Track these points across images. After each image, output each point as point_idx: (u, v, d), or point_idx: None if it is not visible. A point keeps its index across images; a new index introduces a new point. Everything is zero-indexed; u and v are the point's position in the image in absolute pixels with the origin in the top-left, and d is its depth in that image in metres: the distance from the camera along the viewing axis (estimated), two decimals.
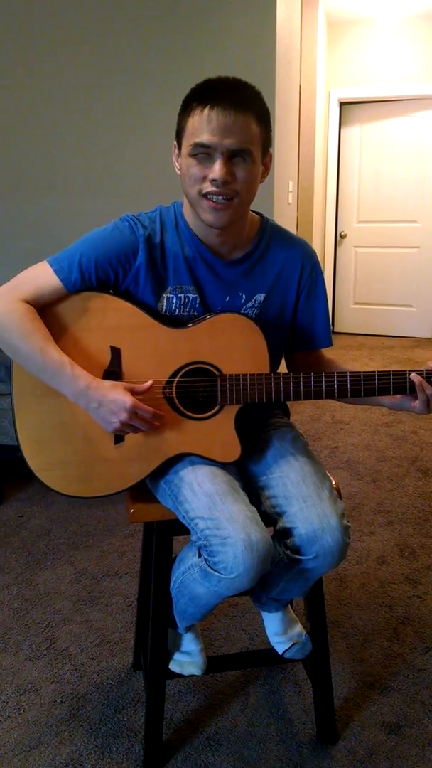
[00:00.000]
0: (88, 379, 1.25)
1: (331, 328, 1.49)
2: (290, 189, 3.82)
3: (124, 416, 1.24)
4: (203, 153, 1.21)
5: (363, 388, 1.31)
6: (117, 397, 1.24)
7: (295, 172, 4.08)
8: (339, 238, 6.00)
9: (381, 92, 5.41)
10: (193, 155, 1.22)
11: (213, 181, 1.21)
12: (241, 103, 1.20)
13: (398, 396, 1.35)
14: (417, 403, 1.33)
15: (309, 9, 4.64)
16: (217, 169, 1.20)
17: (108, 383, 1.26)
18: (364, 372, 1.31)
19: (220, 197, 1.23)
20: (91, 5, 2.85)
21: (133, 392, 1.26)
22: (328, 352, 1.52)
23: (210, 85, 1.23)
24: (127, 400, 1.23)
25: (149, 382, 1.28)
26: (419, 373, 1.31)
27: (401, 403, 1.35)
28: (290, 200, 3.86)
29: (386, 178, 5.73)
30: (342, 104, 5.65)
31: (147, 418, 1.26)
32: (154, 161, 2.92)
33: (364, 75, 5.40)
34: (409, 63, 5.28)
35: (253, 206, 1.37)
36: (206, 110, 1.19)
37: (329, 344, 1.48)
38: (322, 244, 5.69)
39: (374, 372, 1.31)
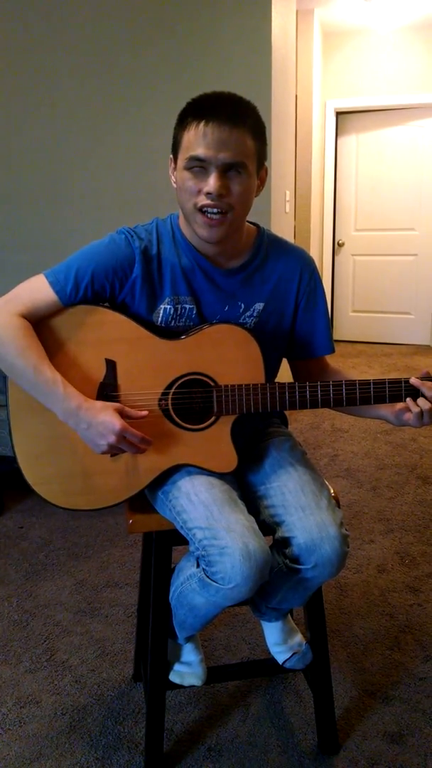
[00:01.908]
0: (79, 400, 1.26)
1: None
2: (287, 198, 3.84)
3: (112, 439, 1.24)
4: (198, 166, 1.22)
5: (358, 396, 1.31)
6: (106, 419, 1.24)
7: (292, 181, 4.10)
8: (337, 246, 6.02)
9: (376, 102, 5.45)
10: (188, 168, 1.24)
11: (208, 194, 1.22)
12: (236, 118, 1.21)
13: (396, 408, 1.35)
14: (411, 416, 1.31)
15: (304, 20, 4.69)
16: (211, 183, 1.22)
17: (99, 404, 1.26)
18: (359, 381, 1.31)
19: (215, 210, 1.24)
20: (92, 23, 2.87)
21: (124, 415, 1.27)
22: (333, 361, 1.53)
23: (205, 99, 1.24)
24: (116, 423, 1.23)
25: (144, 412, 1.29)
26: (409, 385, 1.31)
27: (397, 418, 1.35)
28: (287, 209, 3.88)
29: (383, 186, 5.76)
30: (338, 114, 5.69)
31: (135, 442, 1.27)
32: (154, 175, 2.93)
33: (360, 85, 5.44)
34: (404, 72, 5.32)
35: (251, 216, 1.38)
36: (201, 125, 1.20)
37: (331, 351, 1.48)
38: (320, 253, 5.71)
39: (369, 381, 1.31)
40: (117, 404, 1.27)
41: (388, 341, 6.04)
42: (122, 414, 1.26)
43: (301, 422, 3.92)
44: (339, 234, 6.00)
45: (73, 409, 1.25)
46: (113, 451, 1.27)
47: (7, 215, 3.08)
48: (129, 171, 3.00)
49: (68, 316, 1.31)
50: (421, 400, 1.30)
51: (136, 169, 2.99)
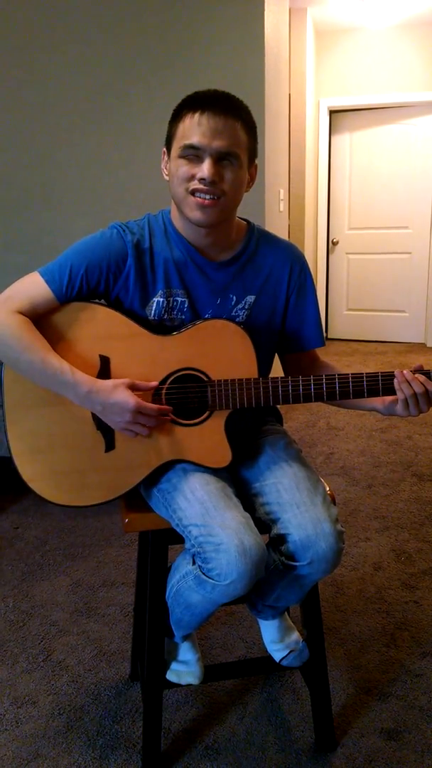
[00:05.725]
0: (89, 384, 1.27)
1: (324, 333, 1.51)
2: (281, 197, 3.84)
3: (128, 417, 1.25)
4: (193, 154, 1.25)
5: (351, 390, 1.31)
6: (119, 399, 1.25)
7: (285, 180, 4.10)
8: (331, 245, 6.02)
9: (370, 100, 5.46)
10: (182, 156, 1.25)
11: (201, 179, 1.24)
12: (230, 110, 1.25)
13: (388, 399, 1.35)
14: (397, 405, 1.32)
15: (297, 19, 4.69)
16: (205, 169, 1.23)
17: (110, 384, 1.27)
18: (352, 374, 1.31)
19: (207, 195, 1.25)
20: (84, 21, 2.87)
21: (135, 389, 1.27)
22: (327, 359, 1.53)
23: (200, 94, 1.27)
24: (130, 401, 1.25)
25: (154, 383, 1.30)
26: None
27: (389, 408, 1.36)
28: (281, 208, 3.88)
29: (377, 184, 5.76)
30: (331, 112, 5.69)
31: (153, 415, 1.27)
32: (149, 175, 2.93)
33: (353, 83, 5.44)
34: (397, 71, 5.32)
35: (245, 214, 1.38)
36: (197, 115, 1.23)
37: (321, 344, 1.49)
38: (314, 251, 5.72)
39: (362, 374, 1.31)
40: (127, 380, 1.28)
41: (382, 339, 6.05)
42: (133, 388, 1.27)
43: (296, 420, 3.92)
44: (333, 232, 6.00)
45: (85, 393, 1.26)
46: (131, 427, 1.28)
47: (2, 216, 3.08)
48: (123, 170, 3.00)
49: (62, 313, 1.31)
50: (407, 389, 1.30)
51: (130, 168, 2.99)
